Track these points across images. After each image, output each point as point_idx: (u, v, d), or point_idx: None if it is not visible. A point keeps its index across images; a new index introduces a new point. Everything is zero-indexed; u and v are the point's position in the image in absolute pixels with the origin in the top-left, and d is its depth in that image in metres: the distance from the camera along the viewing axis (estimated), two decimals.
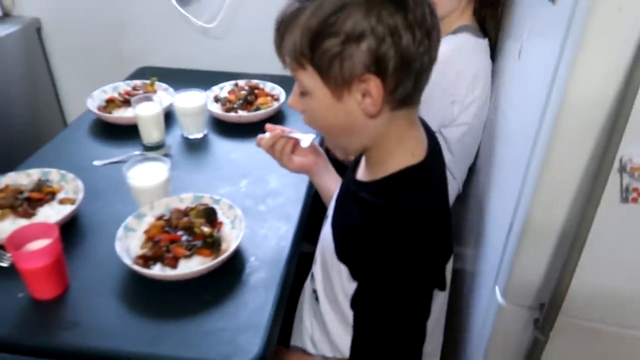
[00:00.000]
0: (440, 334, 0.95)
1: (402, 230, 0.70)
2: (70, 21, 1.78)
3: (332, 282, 0.83)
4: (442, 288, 0.79)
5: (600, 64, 0.69)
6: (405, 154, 0.74)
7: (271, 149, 0.95)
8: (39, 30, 1.79)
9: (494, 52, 1.25)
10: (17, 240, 0.82)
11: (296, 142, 0.95)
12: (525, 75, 0.95)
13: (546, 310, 0.85)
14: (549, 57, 0.80)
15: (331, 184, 1.00)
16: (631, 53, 0.66)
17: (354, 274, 0.76)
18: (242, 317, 0.82)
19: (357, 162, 0.87)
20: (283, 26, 0.68)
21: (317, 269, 0.90)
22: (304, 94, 0.72)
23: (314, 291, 0.92)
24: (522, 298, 0.91)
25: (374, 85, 0.66)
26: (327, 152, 0.97)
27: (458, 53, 1.17)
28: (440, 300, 0.83)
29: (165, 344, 0.78)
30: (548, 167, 0.78)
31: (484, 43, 1.22)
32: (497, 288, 0.95)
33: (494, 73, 1.23)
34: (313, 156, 1.00)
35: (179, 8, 1.60)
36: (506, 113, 1.08)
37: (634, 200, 0.73)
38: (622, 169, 0.72)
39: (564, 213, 0.80)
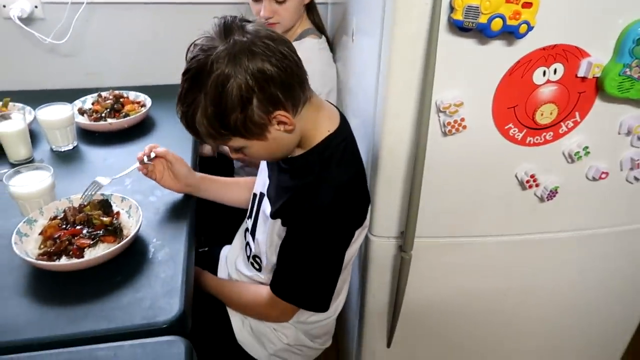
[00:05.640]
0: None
1: (329, 190, 0.87)
2: None
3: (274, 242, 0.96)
4: (361, 223, 0.95)
5: (406, 51, 0.92)
6: (323, 130, 0.90)
7: (150, 173, 1.07)
8: None
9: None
10: None
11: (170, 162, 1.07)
12: (360, 54, 1.19)
13: (406, 235, 1.08)
14: (373, 42, 1.02)
15: (219, 188, 1.17)
16: (425, 38, 0.90)
17: (284, 222, 0.92)
18: (157, 286, 0.89)
19: None
20: (190, 124, 0.81)
21: (259, 238, 1.02)
22: (237, 150, 0.86)
23: (254, 257, 1.06)
24: (387, 230, 1.13)
25: (281, 116, 0.81)
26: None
27: (308, 55, 1.36)
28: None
29: (85, 321, 0.82)
30: (387, 120, 1.00)
31: (323, 40, 1.46)
32: None
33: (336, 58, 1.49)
34: (192, 176, 1.11)
35: (23, 25, 1.56)
36: (352, 83, 1.31)
37: (449, 132, 0.98)
38: (438, 109, 0.97)
39: (405, 155, 1.03)
